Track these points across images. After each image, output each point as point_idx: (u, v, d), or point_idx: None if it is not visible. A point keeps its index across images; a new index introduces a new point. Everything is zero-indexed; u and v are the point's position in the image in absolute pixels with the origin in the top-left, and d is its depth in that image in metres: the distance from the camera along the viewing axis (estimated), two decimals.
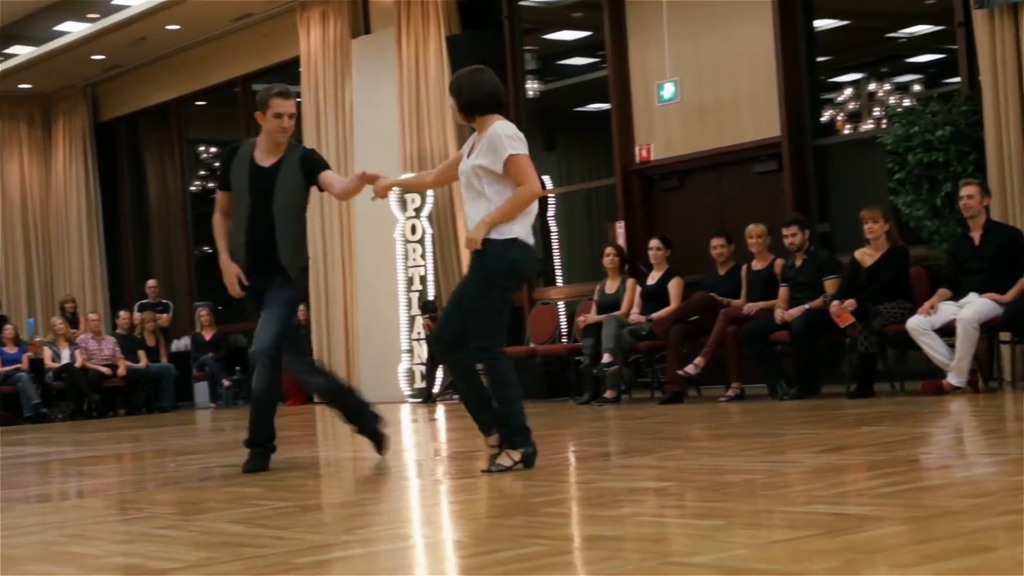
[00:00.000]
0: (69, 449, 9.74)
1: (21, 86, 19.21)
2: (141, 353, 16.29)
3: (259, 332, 6.29)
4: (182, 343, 17.29)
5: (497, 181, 5.59)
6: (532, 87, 14.15)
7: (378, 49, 14.67)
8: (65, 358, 16.04)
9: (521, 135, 5.67)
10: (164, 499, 5.48)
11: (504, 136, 5.58)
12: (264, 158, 6.46)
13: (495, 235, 5.58)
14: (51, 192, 19.88)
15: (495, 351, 5.88)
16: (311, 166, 6.49)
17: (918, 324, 8.88)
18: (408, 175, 6.25)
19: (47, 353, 16.20)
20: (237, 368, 16.06)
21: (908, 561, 3.00)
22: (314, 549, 3.77)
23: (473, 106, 5.69)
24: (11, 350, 16.08)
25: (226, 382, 16.11)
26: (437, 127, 13.98)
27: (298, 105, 15.58)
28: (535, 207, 5.70)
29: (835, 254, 10.31)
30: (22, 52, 18.06)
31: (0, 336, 16.30)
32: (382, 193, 6.54)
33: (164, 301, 17.58)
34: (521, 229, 5.62)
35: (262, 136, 6.52)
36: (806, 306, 9.69)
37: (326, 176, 6.52)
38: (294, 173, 6.42)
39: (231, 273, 6.38)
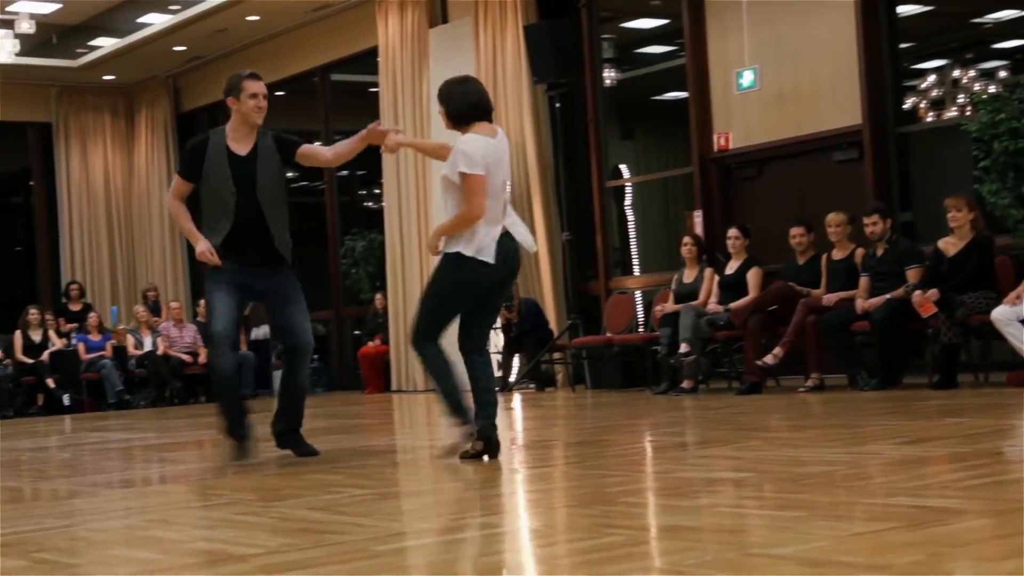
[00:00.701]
0: (151, 435, 9.87)
1: (105, 77, 19.50)
2: None
3: (301, 327, 6.35)
4: (261, 331, 17.43)
5: (455, 192, 5.78)
6: (609, 76, 14.10)
7: (456, 39, 14.69)
8: (147, 346, 16.27)
9: (480, 153, 5.76)
10: (245, 485, 5.53)
11: (462, 152, 5.75)
12: (239, 147, 6.41)
13: (443, 247, 5.84)
14: (134, 182, 20.16)
15: (419, 347, 6.13)
16: (286, 145, 6.47)
17: (1003, 314, 8.75)
18: (426, 141, 6.26)
19: (130, 341, 16.44)
20: (315, 356, 16.15)
21: (992, 555, 2.95)
22: (393, 537, 3.79)
23: (459, 116, 5.90)
24: (95, 338, 16.33)
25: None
26: (514, 117, 13.97)
27: (375, 95, 15.82)
28: (484, 228, 5.75)
29: (917, 243, 10.18)
30: (106, 44, 18.31)
31: (85, 324, 16.57)
32: (393, 149, 6.57)
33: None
34: (466, 246, 5.75)
35: (233, 123, 6.43)
36: (887, 296, 9.57)
37: (304, 149, 6.51)
38: (273, 158, 6.40)
39: (205, 242, 6.31)
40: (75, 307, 17.16)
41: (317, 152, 6.62)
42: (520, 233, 5.94)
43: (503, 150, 5.93)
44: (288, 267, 6.42)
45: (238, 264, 6.34)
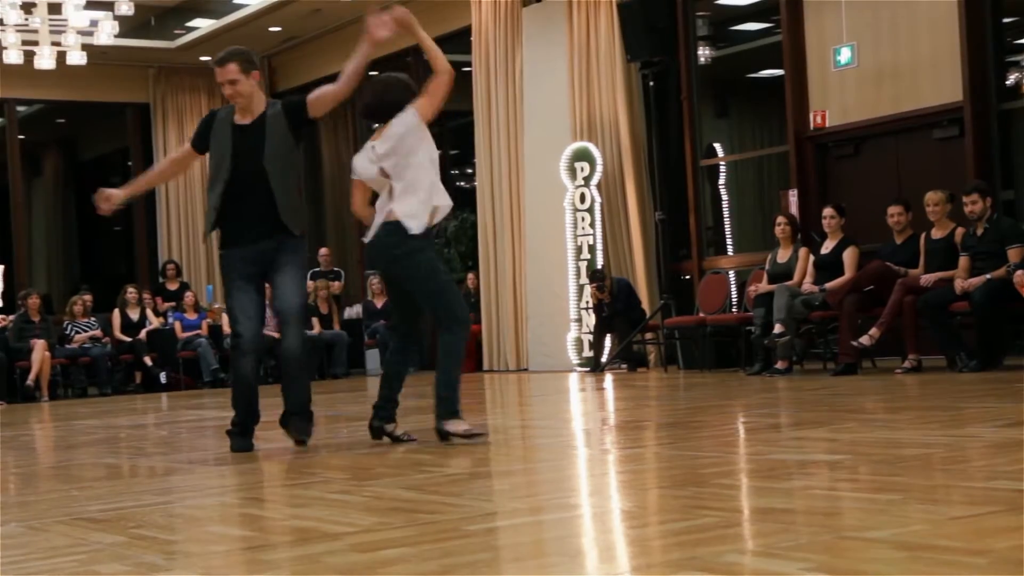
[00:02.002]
0: None
1: (202, 58, 19.71)
2: (314, 320, 16.59)
3: (284, 291, 6.26)
4: (354, 311, 17.58)
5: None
6: (704, 53, 13.98)
7: (549, 17, 14.65)
8: None
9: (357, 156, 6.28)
10: (337, 464, 5.57)
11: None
12: (243, 118, 6.41)
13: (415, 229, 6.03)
14: None
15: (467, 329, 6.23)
16: (295, 108, 6.44)
17: None
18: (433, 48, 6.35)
19: (225, 320, 16.64)
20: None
21: None
22: (484, 517, 3.79)
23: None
24: (191, 316, 16.57)
25: None
26: (608, 95, 13.91)
27: (467, 75, 15.83)
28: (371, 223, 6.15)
29: (1019, 223, 9.98)
30: (203, 25, 18.53)
31: (181, 303, 16.81)
32: (378, 37, 6.70)
33: (336, 269, 17.89)
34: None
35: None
36: (988, 276, 9.40)
37: (312, 98, 6.45)
38: (279, 125, 6.33)
39: (117, 192, 6.37)
40: (172, 286, 17.42)
41: (324, 92, 6.48)
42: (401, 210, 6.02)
43: (391, 135, 6.13)
44: (294, 237, 6.28)
45: (239, 246, 6.27)
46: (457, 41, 16.67)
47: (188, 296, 16.82)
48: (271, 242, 6.25)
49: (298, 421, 6.37)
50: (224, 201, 6.26)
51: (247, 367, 6.32)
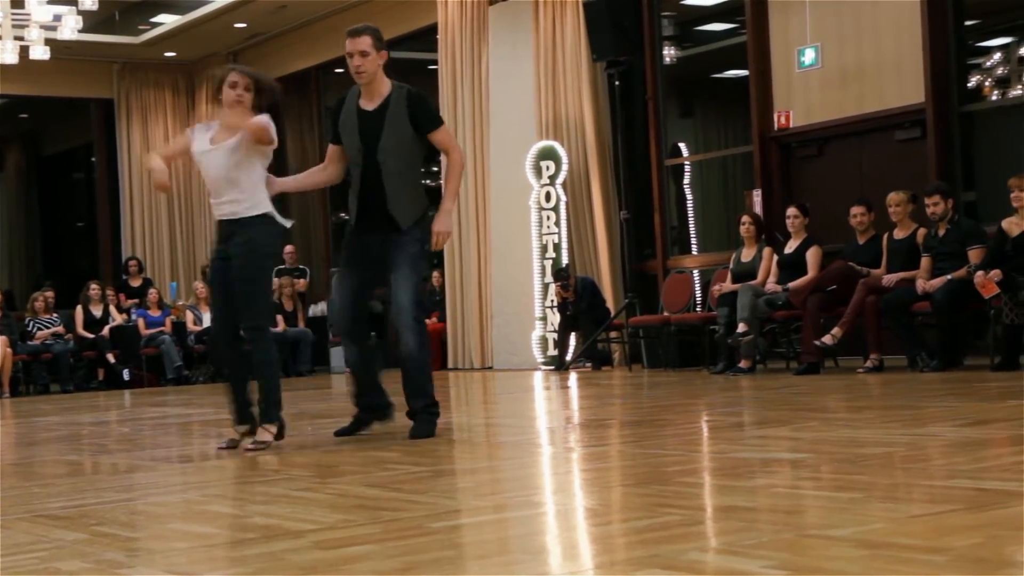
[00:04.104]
0: (209, 411, 9.95)
1: (166, 54, 19.63)
2: (279, 318, 16.55)
3: (396, 292, 6.19)
4: (319, 308, 17.53)
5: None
6: (669, 53, 14.02)
7: (515, 16, 14.66)
8: (206, 321, 16.38)
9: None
10: (301, 461, 5.56)
11: None
12: (368, 102, 6.33)
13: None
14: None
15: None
16: (420, 106, 6.34)
17: None
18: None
19: (189, 316, 16.58)
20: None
21: None
22: (448, 514, 3.80)
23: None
24: (155, 313, 16.49)
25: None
26: (573, 94, 13.93)
27: (434, 73, 15.82)
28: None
29: (980, 224, 10.05)
30: (168, 21, 18.44)
31: (145, 300, 16.73)
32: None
33: (301, 267, 17.84)
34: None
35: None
36: (949, 276, 9.47)
37: (444, 140, 6.40)
38: (401, 113, 6.23)
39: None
40: (135, 283, 17.33)
41: (451, 149, 6.49)
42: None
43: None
44: (402, 233, 6.18)
45: (356, 231, 6.30)
46: (423, 39, 16.68)
47: (151, 293, 16.73)
48: (377, 234, 6.21)
49: (416, 416, 6.35)
50: (360, 185, 6.25)
51: (348, 355, 6.54)
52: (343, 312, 6.41)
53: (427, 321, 15.64)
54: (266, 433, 6.04)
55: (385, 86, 6.35)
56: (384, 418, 6.51)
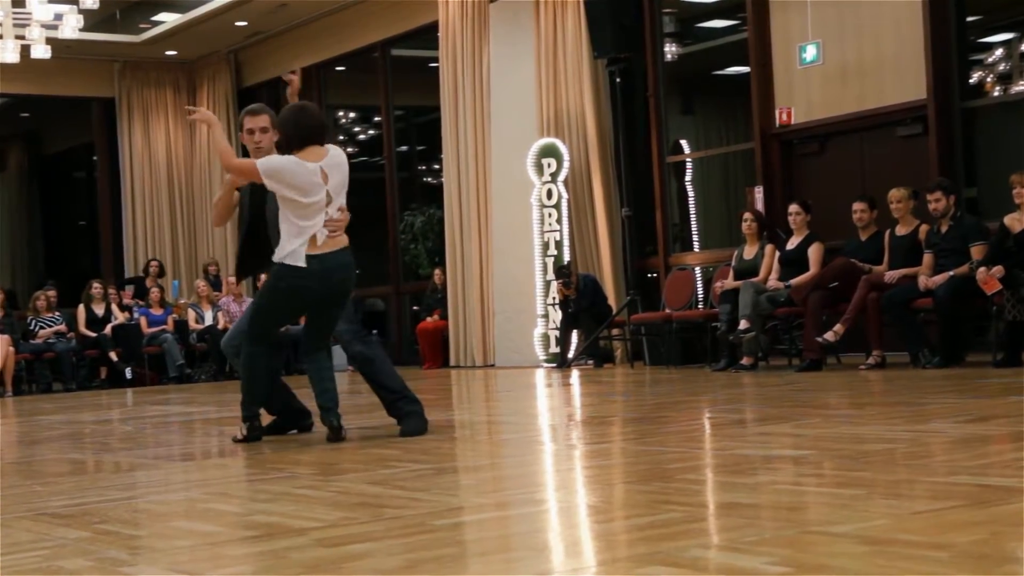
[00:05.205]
0: (211, 409, 9.96)
1: (167, 53, 19.63)
2: None
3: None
4: None
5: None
6: (670, 50, 14.01)
7: (516, 14, 14.65)
8: (208, 320, 16.40)
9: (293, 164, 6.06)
10: (303, 459, 5.57)
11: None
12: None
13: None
14: (195, 157, 20.30)
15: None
16: None
17: None
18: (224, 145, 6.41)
19: (191, 315, 16.59)
20: (374, 331, 16.25)
21: None
22: (450, 512, 3.80)
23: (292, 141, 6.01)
24: (157, 312, 16.49)
25: None
26: (575, 92, 13.92)
27: (434, 71, 15.82)
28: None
29: (982, 220, 10.04)
30: (168, 19, 18.43)
31: (147, 298, 16.73)
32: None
33: None
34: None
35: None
36: (951, 273, 9.47)
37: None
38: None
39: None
40: (150, 283, 17.23)
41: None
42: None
43: (334, 165, 6.06)
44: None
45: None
46: (424, 37, 16.67)
47: (154, 292, 16.74)
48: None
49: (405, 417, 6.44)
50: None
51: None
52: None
53: (428, 319, 15.78)
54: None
55: None
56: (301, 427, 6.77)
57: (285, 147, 6.04)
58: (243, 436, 6.25)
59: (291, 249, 5.95)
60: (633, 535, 3.23)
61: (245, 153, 6.54)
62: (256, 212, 6.38)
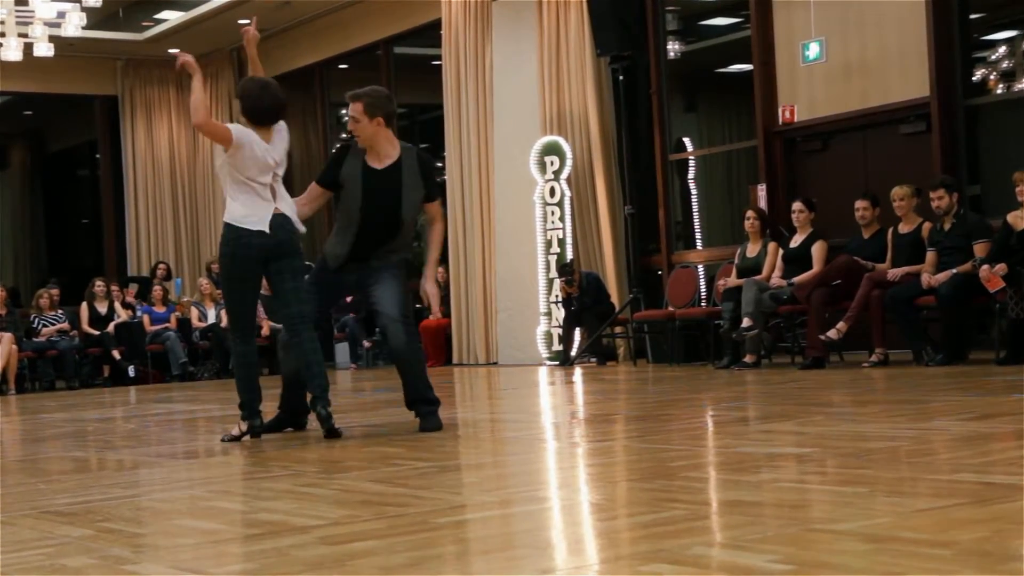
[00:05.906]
0: (215, 407, 9.96)
1: (170, 50, 19.60)
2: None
3: (382, 304, 6.55)
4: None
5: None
6: (673, 48, 14.00)
7: (518, 11, 14.64)
8: (211, 318, 16.40)
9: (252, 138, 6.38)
10: (307, 457, 5.57)
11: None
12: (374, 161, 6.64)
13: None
14: (198, 155, 20.30)
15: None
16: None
17: None
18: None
19: (194, 313, 16.58)
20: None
21: None
22: (453, 510, 3.80)
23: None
24: (160, 310, 16.50)
25: (366, 343, 16.31)
26: (577, 89, 13.92)
27: (438, 68, 15.82)
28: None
29: (985, 218, 10.04)
30: (171, 17, 18.44)
31: (150, 296, 16.74)
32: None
33: (306, 263, 17.79)
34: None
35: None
36: (954, 270, 9.46)
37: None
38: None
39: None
40: (157, 287, 17.21)
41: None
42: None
43: (282, 143, 6.39)
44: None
45: (335, 270, 6.89)
46: (427, 35, 16.67)
47: (156, 290, 16.75)
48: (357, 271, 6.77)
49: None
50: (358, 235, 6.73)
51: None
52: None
53: (430, 318, 15.77)
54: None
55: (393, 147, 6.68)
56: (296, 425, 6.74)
57: (244, 115, 6.32)
58: (240, 433, 6.25)
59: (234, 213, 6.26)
60: (636, 533, 3.23)
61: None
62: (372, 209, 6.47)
